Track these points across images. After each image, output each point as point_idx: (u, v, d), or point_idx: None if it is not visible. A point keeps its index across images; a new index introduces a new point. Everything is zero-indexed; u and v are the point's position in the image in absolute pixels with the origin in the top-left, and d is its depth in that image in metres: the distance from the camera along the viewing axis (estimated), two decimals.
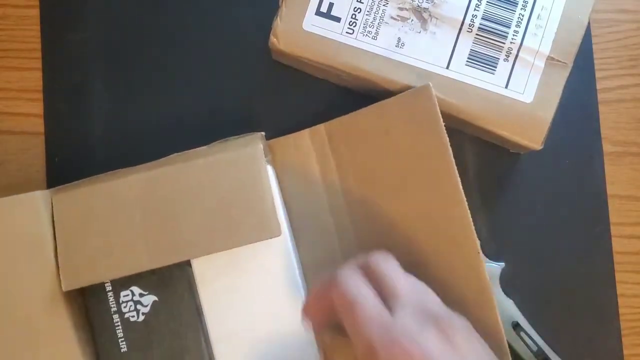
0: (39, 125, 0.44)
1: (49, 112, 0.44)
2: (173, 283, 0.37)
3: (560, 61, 0.39)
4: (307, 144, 0.40)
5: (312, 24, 0.40)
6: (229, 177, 0.36)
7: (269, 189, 0.36)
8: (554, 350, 0.41)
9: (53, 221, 0.37)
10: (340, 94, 0.43)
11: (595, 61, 0.45)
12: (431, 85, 0.37)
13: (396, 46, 0.39)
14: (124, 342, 0.37)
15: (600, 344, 0.43)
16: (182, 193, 0.36)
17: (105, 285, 0.37)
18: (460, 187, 0.36)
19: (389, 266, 0.33)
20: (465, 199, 0.36)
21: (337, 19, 0.40)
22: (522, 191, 0.44)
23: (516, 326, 0.41)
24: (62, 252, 0.36)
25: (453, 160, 0.36)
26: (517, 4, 0.39)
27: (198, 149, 0.38)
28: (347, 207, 0.39)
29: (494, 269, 0.42)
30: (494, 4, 0.39)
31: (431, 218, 0.37)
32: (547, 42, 0.39)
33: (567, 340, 0.43)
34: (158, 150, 0.38)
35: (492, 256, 0.43)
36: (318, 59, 0.40)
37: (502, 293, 0.42)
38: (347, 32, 0.40)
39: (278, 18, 0.40)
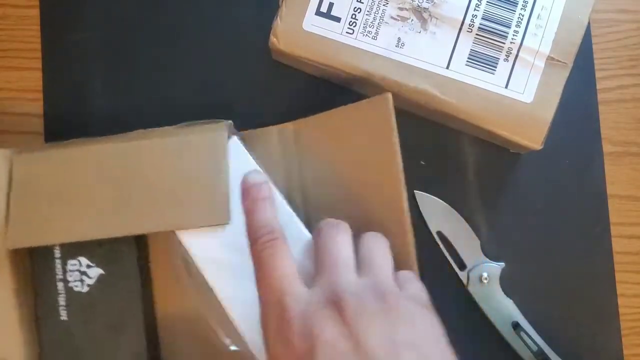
0: (39, 125, 0.44)
1: (49, 112, 0.44)
2: (121, 259, 0.37)
3: (560, 61, 0.39)
4: (274, 140, 0.40)
5: (312, 24, 0.40)
6: (189, 159, 0.36)
7: (225, 176, 0.36)
8: (554, 350, 0.41)
9: (10, 180, 0.37)
10: (340, 94, 0.43)
11: (595, 61, 0.45)
12: (390, 95, 0.37)
13: (396, 46, 0.39)
14: (65, 310, 0.37)
15: (601, 344, 0.43)
16: (141, 169, 0.36)
17: (54, 251, 0.37)
18: (405, 204, 0.36)
19: (332, 236, 0.32)
20: (408, 217, 0.36)
21: (337, 19, 0.40)
22: (522, 191, 0.44)
23: (516, 326, 0.41)
24: (13, 211, 0.36)
25: (401, 172, 0.36)
26: (517, 4, 0.39)
27: (164, 127, 0.38)
28: (303, 205, 0.39)
29: (494, 269, 0.42)
30: (494, 4, 0.39)
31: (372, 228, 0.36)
32: (547, 42, 0.39)
33: (567, 340, 0.42)
34: None
35: (492, 256, 0.43)
36: (318, 59, 0.40)
37: (502, 293, 0.42)
38: (347, 32, 0.40)
39: (278, 18, 0.40)
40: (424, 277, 0.43)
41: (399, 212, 0.36)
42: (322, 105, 0.44)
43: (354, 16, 0.40)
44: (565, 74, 0.39)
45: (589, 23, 0.40)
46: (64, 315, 0.37)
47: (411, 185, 0.43)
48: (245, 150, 0.37)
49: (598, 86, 0.44)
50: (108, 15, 0.45)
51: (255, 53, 0.44)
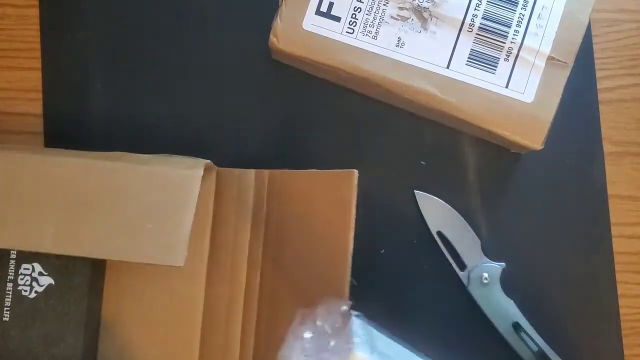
0: (38, 125, 0.44)
1: (48, 112, 0.44)
2: (73, 274, 0.38)
3: (560, 61, 0.39)
4: (249, 183, 0.41)
5: (312, 23, 0.40)
6: (158, 192, 0.35)
7: (190, 217, 0.35)
8: (554, 351, 0.41)
9: None
10: (339, 94, 0.43)
11: (596, 61, 0.45)
12: (356, 172, 0.38)
13: (396, 46, 0.39)
14: (8, 312, 0.37)
15: (601, 345, 0.43)
16: (110, 191, 0.35)
17: (11, 252, 0.37)
18: (348, 278, 0.37)
19: None
20: (347, 287, 0.37)
21: (337, 19, 0.40)
22: (522, 191, 0.44)
23: (516, 326, 0.41)
24: None
25: (350, 249, 0.38)
26: (518, 3, 0.39)
27: (142, 155, 0.37)
28: (263, 240, 0.40)
29: (494, 269, 0.42)
30: (495, 4, 0.39)
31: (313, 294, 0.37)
32: (547, 41, 0.39)
33: (567, 340, 0.42)
34: (157, 150, 0.38)
35: (492, 256, 0.43)
36: (318, 59, 0.40)
37: (502, 293, 0.42)
38: (347, 32, 0.40)
39: (278, 18, 0.40)
40: (424, 277, 0.43)
41: (341, 277, 0.38)
42: (321, 105, 0.44)
43: (354, 16, 0.40)
44: (565, 73, 0.39)
45: (589, 23, 0.40)
46: (6, 316, 0.37)
47: (411, 185, 0.43)
48: (369, 326, 0.36)
49: (598, 86, 0.44)
50: (108, 15, 0.44)
51: (255, 53, 0.44)
